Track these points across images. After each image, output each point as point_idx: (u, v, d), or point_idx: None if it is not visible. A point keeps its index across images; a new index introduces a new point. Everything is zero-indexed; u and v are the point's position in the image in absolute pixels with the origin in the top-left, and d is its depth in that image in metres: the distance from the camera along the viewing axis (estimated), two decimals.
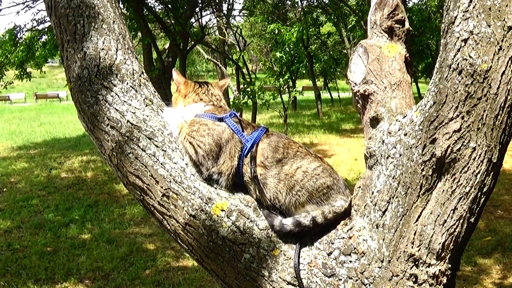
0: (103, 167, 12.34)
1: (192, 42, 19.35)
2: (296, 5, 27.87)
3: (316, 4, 26.94)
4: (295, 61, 18.03)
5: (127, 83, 2.22)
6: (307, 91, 36.97)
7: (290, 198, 2.12)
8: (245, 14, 29.30)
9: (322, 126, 20.78)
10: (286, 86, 17.90)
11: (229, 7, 26.42)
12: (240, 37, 27.24)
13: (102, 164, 12.59)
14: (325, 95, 36.24)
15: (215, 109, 2.25)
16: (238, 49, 26.49)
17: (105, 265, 6.64)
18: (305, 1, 26.45)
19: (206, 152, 2.10)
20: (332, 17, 25.14)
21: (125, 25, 2.36)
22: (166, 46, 20.04)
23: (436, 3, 26.35)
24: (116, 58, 2.23)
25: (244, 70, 19.99)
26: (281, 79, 17.00)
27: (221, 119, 2.18)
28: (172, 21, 17.53)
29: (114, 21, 2.29)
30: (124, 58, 2.26)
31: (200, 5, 19.18)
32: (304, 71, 23.32)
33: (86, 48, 2.21)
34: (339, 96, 36.34)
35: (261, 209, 2.12)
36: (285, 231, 2.04)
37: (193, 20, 18.57)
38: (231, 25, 27.70)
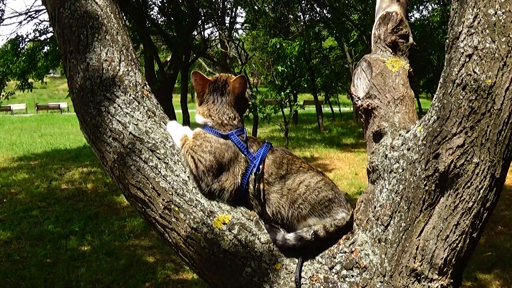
0: (104, 179, 12.32)
1: (194, 55, 19.41)
2: (298, 19, 28.01)
3: (318, 18, 27.07)
4: (296, 75, 18.08)
5: (130, 95, 2.21)
6: (308, 105, 37.02)
7: (292, 211, 2.11)
8: (248, 28, 29.42)
9: (323, 140, 20.76)
10: (287, 100, 17.94)
11: (231, 20, 26.53)
12: (242, 51, 27.33)
13: (103, 176, 12.56)
14: (326, 109, 36.27)
15: (220, 127, 2.21)
16: (240, 62, 26.57)
17: (104, 278, 6.60)
18: (307, 15, 26.57)
19: (207, 168, 2.09)
20: (334, 31, 25.23)
21: (128, 36, 2.36)
22: (168, 59, 20.12)
23: (438, 19, 26.49)
24: (119, 70, 2.23)
25: None
26: (282, 93, 17.04)
27: (226, 137, 2.17)
28: (175, 34, 17.60)
29: (117, 32, 2.30)
30: (127, 70, 2.26)
31: (203, 17, 19.26)
32: (305, 85, 23.36)
33: (89, 59, 2.21)
34: (340, 110, 36.36)
35: (263, 223, 2.11)
36: (288, 246, 2.03)
37: (195, 32, 18.63)
38: (233, 38, 27.81)
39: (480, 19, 1.70)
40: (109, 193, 11.20)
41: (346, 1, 25.31)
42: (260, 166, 2.14)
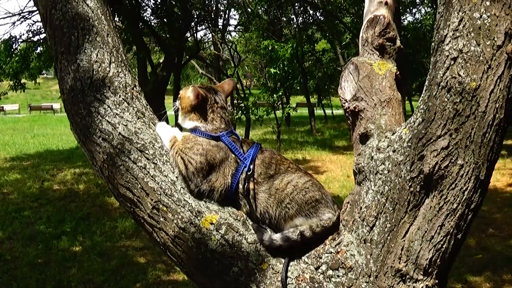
0: (96, 180, 12.30)
1: (187, 57, 19.39)
2: (291, 21, 28.05)
3: (311, 21, 27.12)
4: (289, 77, 18.11)
5: (120, 96, 2.23)
6: (300, 107, 37.06)
7: (280, 211, 2.13)
8: (241, 30, 29.45)
9: (315, 143, 20.79)
10: (280, 102, 17.98)
11: (225, 22, 26.54)
12: (235, 53, 27.33)
13: (95, 177, 12.54)
14: (318, 111, 36.28)
15: (212, 129, 2.23)
16: (232, 65, 26.58)
17: (96, 278, 6.61)
18: (300, 18, 26.62)
19: (197, 169, 2.10)
20: (327, 34, 25.28)
21: (119, 38, 2.38)
22: (161, 60, 20.10)
23: (430, 22, 26.57)
24: (109, 71, 2.25)
25: (238, 86, 20.05)
26: (275, 95, 17.07)
27: (217, 138, 2.19)
28: (168, 36, 17.58)
29: (108, 34, 2.32)
30: (117, 71, 2.28)
31: (196, 19, 19.25)
32: (298, 88, 23.38)
33: (79, 60, 2.23)
34: (332, 113, 36.40)
35: (251, 223, 2.13)
36: (274, 246, 2.05)
37: (188, 34, 18.61)
38: (226, 40, 27.82)
39: (465, 23, 1.73)
40: (101, 194, 11.19)
41: (339, 4, 25.35)
42: (251, 166, 2.16)
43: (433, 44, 1.87)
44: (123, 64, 2.31)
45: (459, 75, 1.72)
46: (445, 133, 1.76)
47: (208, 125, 2.23)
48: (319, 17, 26.46)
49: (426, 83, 1.88)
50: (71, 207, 10.15)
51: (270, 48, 16.98)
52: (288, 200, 2.12)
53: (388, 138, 2.02)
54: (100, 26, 2.30)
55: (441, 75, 1.77)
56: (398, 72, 2.28)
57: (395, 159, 1.92)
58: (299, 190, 2.14)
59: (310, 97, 29.13)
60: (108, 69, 2.25)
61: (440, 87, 1.77)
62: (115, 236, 8.33)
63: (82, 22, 2.27)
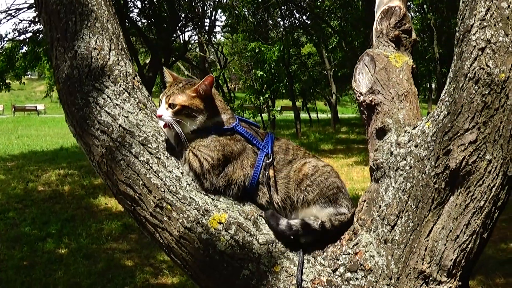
0: (81, 181, 12.15)
1: (173, 58, 19.31)
2: (278, 24, 28.09)
3: (297, 24, 27.18)
4: (275, 80, 18.10)
5: (120, 86, 2.09)
6: (285, 111, 37.05)
7: (298, 194, 2.02)
8: (228, 31, 29.40)
9: (300, 146, 20.74)
10: (265, 105, 17.98)
11: (211, 24, 26.48)
12: (221, 55, 27.29)
13: (80, 178, 12.39)
14: (303, 115, 36.26)
15: (227, 119, 2.10)
16: (218, 67, 26.53)
17: (82, 281, 6.45)
18: (286, 21, 26.65)
19: (213, 166, 1.98)
20: (314, 38, 25.33)
21: (119, 25, 2.24)
22: (147, 61, 20.00)
23: (418, 27, 26.65)
24: (109, 59, 2.11)
25: (224, 88, 19.99)
26: (261, 97, 17.05)
27: (232, 129, 2.07)
28: (155, 36, 17.51)
29: (107, 20, 2.17)
30: (118, 59, 2.13)
31: (183, 20, 19.20)
32: (284, 91, 23.37)
33: (77, 47, 2.08)
34: (317, 116, 36.39)
35: (264, 211, 2.02)
36: (290, 233, 1.94)
37: (175, 35, 18.56)
38: (213, 42, 27.78)
39: (493, 12, 1.64)
40: (86, 195, 11.02)
41: (326, 8, 25.40)
42: (272, 155, 2.05)
43: (457, 34, 1.78)
44: (123, 52, 2.17)
45: (488, 66, 1.64)
46: (473, 126, 1.66)
47: (224, 117, 2.10)
48: (306, 20, 26.52)
49: (451, 74, 1.79)
50: (56, 209, 9.97)
51: (256, 50, 16.96)
52: (308, 182, 2.01)
53: (408, 132, 1.92)
54: (99, 11, 2.16)
55: (468, 66, 1.68)
56: (415, 65, 2.18)
57: (418, 155, 1.81)
58: (321, 173, 2.03)
59: (296, 100, 29.13)
60: (107, 56, 2.11)
61: (467, 79, 1.68)
62: (101, 238, 8.17)
63: (81, 6, 2.12)
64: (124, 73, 2.13)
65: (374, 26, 2.30)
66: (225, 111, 2.12)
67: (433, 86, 37.65)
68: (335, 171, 2.12)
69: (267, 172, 2.02)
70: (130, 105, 2.08)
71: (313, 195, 2.01)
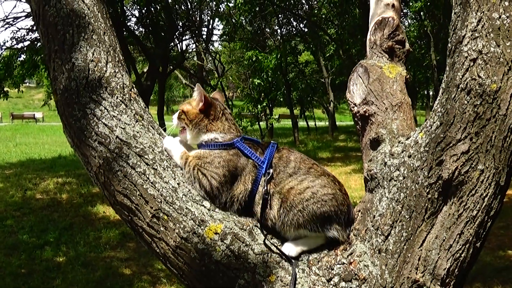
0: (79, 189, 12.14)
1: (171, 67, 19.34)
2: (275, 33, 28.14)
3: (295, 32, 27.24)
4: (273, 88, 18.12)
5: (117, 97, 2.11)
6: (283, 119, 37.07)
7: (292, 216, 2.00)
8: (225, 40, 29.46)
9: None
10: (263, 113, 18.00)
11: (209, 32, 26.54)
12: (219, 63, 27.32)
13: (78, 187, 12.38)
14: (301, 123, 36.27)
15: (230, 138, 2.13)
16: (216, 75, 26.55)
17: None
18: (284, 29, 26.71)
19: (221, 183, 2.01)
20: (311, 46, 25.38)
21: (115, 37, 2.26)
22: (145, 70, 20.02)
23: (415, 34, 26.73)
24: (106, 71, 2.13)
25: None
26: (259, 106, 17.06)
27: (232, 145, 2.09)
28: (153, 45, 17.54)
29: (104, 32, 2.20)
30: (115, 71, 2.15)
31: (181, 29, 19.23)
32: (281, 99, 23.38)
33: (74, 59, 2.10)
34: (315, 124, 36.43)
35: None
36: None
37: (172, 44, 18.59)
38: (210, 50, 27.82)
39: (484, 23, 1.66)
40: (84, 203, 11.00)
41: (323, 16, 25.46)
42: (271, 171, 2.05)
43: (449, 45, 1.80)
44: (120, 64, 2.20)
45: (479, 76, 1.66)
46: (465, 136, 1.68)
47: (226, 135, 2.14)
48: (303, 28, 26.57)
49: (443, 85, 1.80)
50: (54, 217, 9.96)
51: (254, 59, 16.99)
52: (301, 206, 1.99)
53: (402, 143, 1.93)
54: (96, 24, 2.18)
55: (460, 76, 1.70)
56: (408, 76, 2.20)
57: (411, 165, 1.83)
58: (315, 200, 2.00)
59: (294, 108, 29.17)
60: (104, 69, 2.13)
61: (459, 89, 1.70)
62: (99, 247, 8.16)
63: (78, 19, 2.15)
64: (121, 85, 2.15)
65: (368, 37, 2.32)
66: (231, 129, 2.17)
67: (431, 93, 37.71)
68: (340, 195, 2.06)
69: (264, 188, 2.02)
70: (127, 116, 2.09)
71: (302, 220, 1.99)
